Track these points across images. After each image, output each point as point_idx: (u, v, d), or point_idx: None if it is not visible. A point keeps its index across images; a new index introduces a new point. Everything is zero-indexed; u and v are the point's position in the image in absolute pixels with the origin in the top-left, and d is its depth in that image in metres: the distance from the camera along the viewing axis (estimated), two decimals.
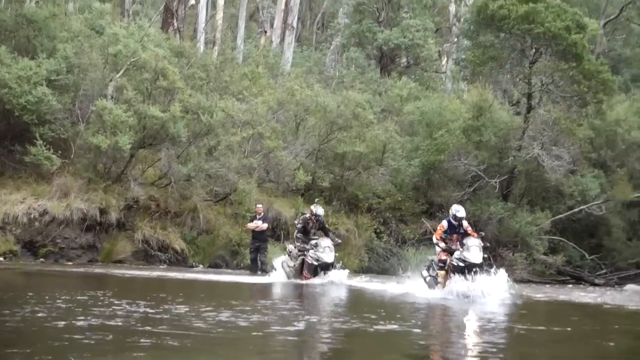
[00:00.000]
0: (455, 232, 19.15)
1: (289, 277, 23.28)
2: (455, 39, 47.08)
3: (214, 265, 26.41)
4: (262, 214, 25.52)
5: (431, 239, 31.50)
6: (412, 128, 34.48)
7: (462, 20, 44.72)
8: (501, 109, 34.10)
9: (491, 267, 19.01)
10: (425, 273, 20.36)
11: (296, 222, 24.36)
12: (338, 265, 23.16)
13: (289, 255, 23.83)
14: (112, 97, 26.91)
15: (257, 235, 25.35)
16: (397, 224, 31.70)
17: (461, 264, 18.58)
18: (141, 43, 27.98)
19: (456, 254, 18.83)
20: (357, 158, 30.82)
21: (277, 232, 28.09)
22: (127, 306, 12.80)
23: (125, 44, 27.49)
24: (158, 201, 26.59)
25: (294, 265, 23.32)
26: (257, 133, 28.61)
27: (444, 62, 50.50)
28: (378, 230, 31.16)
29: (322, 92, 32.64)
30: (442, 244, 19.23)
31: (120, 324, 10.76)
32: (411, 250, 30.30)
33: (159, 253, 25.73)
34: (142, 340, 9.44)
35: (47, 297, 13.34)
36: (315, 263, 22.63)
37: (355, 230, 30.03)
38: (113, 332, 9.96)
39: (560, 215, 33.06)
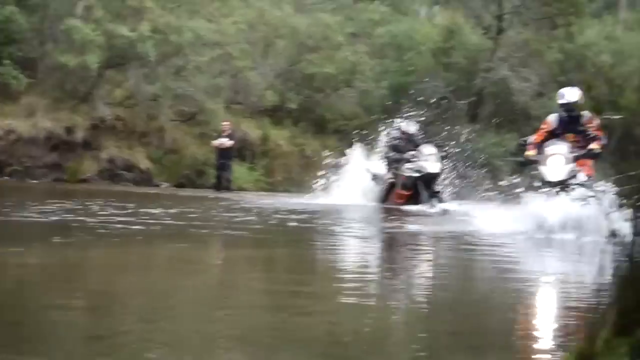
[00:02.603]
0: (571, 129, 13.33)
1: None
2: None
3: (180, 185, 26.58)
4: (229, 131, 25.75)
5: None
6: (382, 52, 34.50)
7: None
8: (472, 33, 34.21)
9: None
10: None
11: (383, 143, 20.97)
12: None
13: (373, 179, 20.50)
14: (80, 17, 26.82)
15: (223, 153, 25.59)
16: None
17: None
18: None
19: None
20: (326, 79, 30.92)
21: (243, 152, 28.25)
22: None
23: None
24: (124, 121, 26.68)
25: (382, 187, 19.70)
26: (226, 53, 28.62)
27: None
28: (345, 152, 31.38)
29: (292, 14, 32.57)
30: (530, 153, 13.37)
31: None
32: None
33: (124, 172, 25.87)
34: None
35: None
36: (416, 175, 18.43)
37: (322, 151, 30.22)
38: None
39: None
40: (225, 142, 25.50)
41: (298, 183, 28.53)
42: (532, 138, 13.60)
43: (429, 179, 18.56)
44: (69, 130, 25.18)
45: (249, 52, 30.08)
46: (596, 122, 13.41)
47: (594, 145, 13.02)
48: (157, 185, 25.94)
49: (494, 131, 32.50)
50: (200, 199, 20.01)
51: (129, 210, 13.56)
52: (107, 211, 13.13)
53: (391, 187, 19.44)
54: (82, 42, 25.30)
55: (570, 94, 13.41)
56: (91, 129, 25.76)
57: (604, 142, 13.24)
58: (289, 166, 29.04)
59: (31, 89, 25.66)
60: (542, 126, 13.62)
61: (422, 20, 38.90)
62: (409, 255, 9.95)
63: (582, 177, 12.86)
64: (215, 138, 25.89)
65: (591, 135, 13.11)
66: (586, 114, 13.39)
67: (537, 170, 13.27)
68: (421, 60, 32.53)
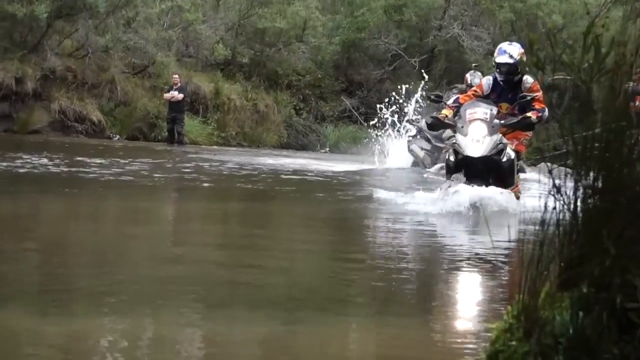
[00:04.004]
0: (506, 98, 10.92)
1: (424, 165, 17.38)
2: None
3: (133, 137, 26.52)
4: (179, 84, 25.70)
5: (350, 117, 32.07)
6: (333, 7, 34.50)
7: None
8: None
9: None
10: None
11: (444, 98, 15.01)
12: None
13: (418, 134, 18.44)
14: None
15: (174, 106, 25.54)
16: (317, 101, 31.99)
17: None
18: None
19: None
20: (278, 34, 30.77)
21: (195, 106, 28.17)
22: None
23: None
24: (75, 72, 26.41)
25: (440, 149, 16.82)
26: (177, 6, 28.47)
27: None
28: (297, 107, 31.43)
29: None
30: (445, 112, 10.95)
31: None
32: (330, 127, 30.84)
33: (75, 124, 25.70)
34: None
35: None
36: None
37: (274, 106, 30.22)
38: None
39: None
40: (177, 95, 25.44)
41: (251, 138, 28.70)
42: (456, 97, 11.58)
43: None
44: (19, 80, 24.93)
45: (200, 4, 29.97)
46: (540, 91, 10.43)
47: (530, 114, 10.50)
48: (110, 138, 25.85)
49: (446, 89, 32.68)
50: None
51: (110, 161, 13.79)
52: (88, 163, 13.32)
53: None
54: None
55: (512, 50, 10.75)
56: (41, 80, 25.55)
57: (543, 115, 10.51)
58: (242, 121, 29.05)
59: None
60: (475, 88, 11.47)
61: None
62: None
63: (510, 153, 10.48)
64: (167, 91, 25.85)
65: (529, 99, 10.58)
66: (529, 79, 10.60)
67: (454, 138, 10.87)
68: (373, 17, 32.52)
